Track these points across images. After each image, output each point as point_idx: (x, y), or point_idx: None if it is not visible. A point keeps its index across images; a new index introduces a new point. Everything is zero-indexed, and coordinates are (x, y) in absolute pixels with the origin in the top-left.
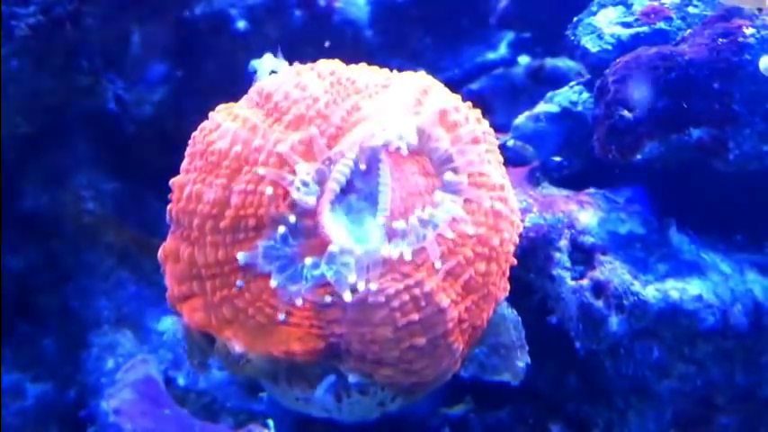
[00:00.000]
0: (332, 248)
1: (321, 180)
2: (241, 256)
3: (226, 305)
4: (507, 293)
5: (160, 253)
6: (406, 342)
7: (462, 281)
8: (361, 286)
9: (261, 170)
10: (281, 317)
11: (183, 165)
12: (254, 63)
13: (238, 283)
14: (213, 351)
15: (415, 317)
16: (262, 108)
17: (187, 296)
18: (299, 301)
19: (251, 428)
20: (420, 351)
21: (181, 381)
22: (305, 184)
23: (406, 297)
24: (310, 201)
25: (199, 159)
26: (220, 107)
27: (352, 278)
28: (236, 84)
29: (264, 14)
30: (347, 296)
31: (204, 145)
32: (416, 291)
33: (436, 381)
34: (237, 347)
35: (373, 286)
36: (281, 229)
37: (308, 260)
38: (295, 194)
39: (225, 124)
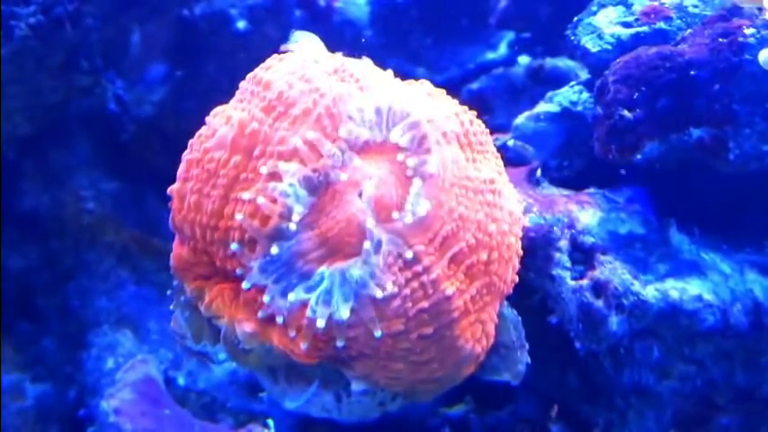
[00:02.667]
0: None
1: (310, 186)
2: (245, 285)
3: (242, 295)
4: (512, 288)
5: (172, 262)
6: (415, 332)
7: (465, 266)
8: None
9: (246, 195)
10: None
11: (180, 171)
12: (296, 35)
13: (244, 285)
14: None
15: (425, 304)
16: (261, 99)
17: (204, 288)
18: (279, 318)
19: (251, 428)
20: (428, 340)
21: (181, 381)
22: (286, 194)
23: (415, 284)
24: (297, 208)
25: (195, 167)
26: (216, 110)
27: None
28: (236, 84)
29: (264, 14)
30: (378, 293)
31: (201, 153)
32: (424, 278)
33: (445, 381)
34: (247, 328)
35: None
36: (274, 249)
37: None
38: (281, 201)
39: (221, 130)
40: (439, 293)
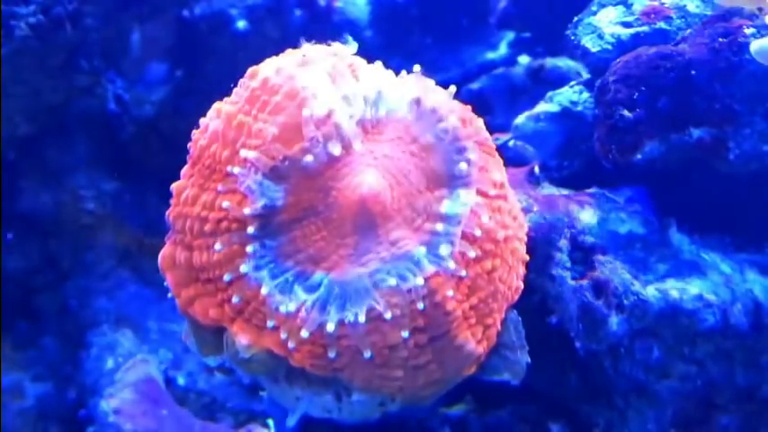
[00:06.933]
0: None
1: (278, 176)
2: (226, 277)
3: (227, 305)
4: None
5: (160, 260)
6: (411, 341)
7: (469, 278)
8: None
9: (219, 187)
10: (270, 324)
11: (184, 169)
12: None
13: (234, 299)
14: (222, 349)
15: (421, 322)
16: (245, 88)
17: (194, 298)
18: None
19: (251, 428)
20: (425, 346)
21: (181, 381)
22: (251, 190)
23: (414, 308)
24: (259, 203)
25: (196, 164)
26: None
27: (419, 281)
28: (236, 84)
29: (264, 14)
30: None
31: (198, 150)
32: (427, 301)
33: (445, 383)
34: (243, 340)
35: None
36: (250, 248)
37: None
38: (250, 203)
39: (212, 124)
40: (439, 309)
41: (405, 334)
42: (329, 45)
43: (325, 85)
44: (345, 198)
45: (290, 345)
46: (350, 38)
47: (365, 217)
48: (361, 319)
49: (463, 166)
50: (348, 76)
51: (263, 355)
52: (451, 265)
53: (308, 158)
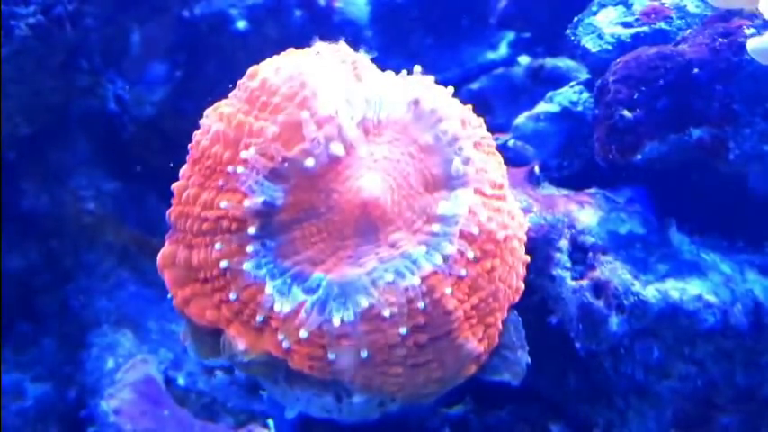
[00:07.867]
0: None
1: (278, 176)
2: (224, 263)
3: (224, 306)
4: (519, 295)
5: (159, 259)
6: (411, 340)
7: (470, 278)
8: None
9: (221, 182)
10: (268, 325)
11: (184, 170)
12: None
13: (231, 296)
14: (220, 351)
15: (421, 320)
16: (244, 89)
17: (190, 298)
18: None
19: (251, 428)
20: (425, 346)
21: (181, 381)
22: (251, 190)
23: (414, 306)
24: (259, 199)
25: (196, 164)
26: (209, 109)
27: (416, 280)
28: (236, 84)
29: (264, 14)
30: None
31: (199, 151)
32: (426, 299)
33: (446, 381)
34: (240, 345)
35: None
36: (250, 248)
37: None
38: (246, 201)
39: (214, 126)
40: (439, 309)
41: (403, 331)
42: (334, 45)
43: (328, 84)
44: (346, 202)
45: (288, 346)
46: (364, 50)
47: (366, 221)
48: (358, 309)
49: (461, 166)
50: (350, 76)
51: (262, 357)
52: (447, 261)
53: (309, 162)
